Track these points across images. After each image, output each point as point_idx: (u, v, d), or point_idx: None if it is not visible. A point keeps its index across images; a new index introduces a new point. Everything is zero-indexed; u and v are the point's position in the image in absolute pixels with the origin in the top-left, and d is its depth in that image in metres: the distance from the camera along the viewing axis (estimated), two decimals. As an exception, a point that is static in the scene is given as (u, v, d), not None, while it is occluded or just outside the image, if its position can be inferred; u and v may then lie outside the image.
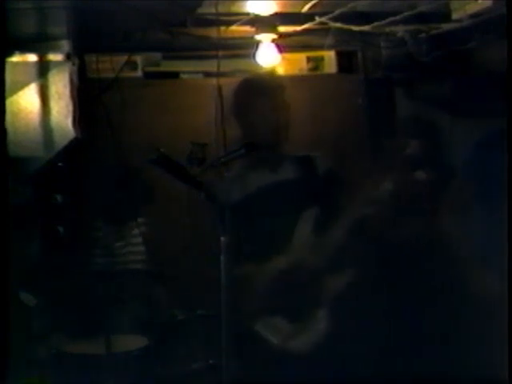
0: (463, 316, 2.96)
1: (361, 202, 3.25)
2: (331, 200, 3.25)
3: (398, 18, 3.19)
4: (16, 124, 3.37)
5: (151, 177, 3.38)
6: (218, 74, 3.14)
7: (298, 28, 3.59)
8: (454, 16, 3.05)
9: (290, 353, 3.09)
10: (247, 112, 3.21)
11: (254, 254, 3.17)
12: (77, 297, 3.39)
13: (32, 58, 3.51)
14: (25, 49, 3.41)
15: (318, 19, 3.42)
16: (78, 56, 3.64)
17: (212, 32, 3.32)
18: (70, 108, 3.53)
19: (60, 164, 3.63)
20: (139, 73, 4.09)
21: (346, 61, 4.25)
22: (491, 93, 2.78)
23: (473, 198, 2.96)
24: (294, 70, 4.15)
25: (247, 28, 3.55)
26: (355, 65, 4.26)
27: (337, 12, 3.26)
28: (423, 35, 3.45)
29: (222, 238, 2.68)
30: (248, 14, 3.42)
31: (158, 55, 4.13)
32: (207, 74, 4.02)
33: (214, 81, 3.32)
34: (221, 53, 3.03)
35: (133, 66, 4.01)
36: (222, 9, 3.12)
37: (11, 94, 3.35)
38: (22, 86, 3.47)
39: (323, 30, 3.62)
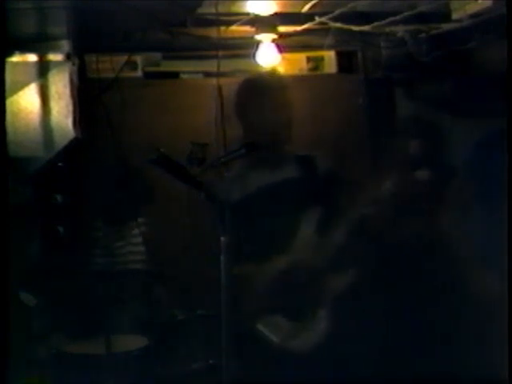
0: (463, 316, 2.96)
1: (361, 201, 3.25)
2: (331, 200, 3.25)
3: (397, 18, 3.19)
4: (16, 124, 3.37)
5: (151, 177, 3.38)
6: (218, 74, 3.14)
7: (298, 28, 3.59)
8: (454, 16, 3.05)
9: (290, 353, 3.08)
10: (250, 112, 3.21)
11: (254, 254, 3.17)
12: (77, 297, 3.39)
13: (32, 57, 3.51)
14: (25, 49, 3.41)
15: (317, 19, 3.42)
16: (78, 56, 3.64)
17: (212, 32, 3.32)
18: (70, 108, 3.53)
19: (60, 164, 3.63)
20: (139, 73, 4.09)
21: (346, 61, 4.25)
22: (491, 93, 2.78)
23: (473, 197, 2.96)
24: (294, 70, 4.15)
25: (247, 28, 3.55)
26: (355, 65, 4.26)
27: (337, 12, 3.26)
28: (423, 35, 3.45)
29: (222, 238, 2.68)
30: (248, 14, 3.42)
31: (157, 55, 4.13)
32: (207, 74, 4.02)
33: (214, 81, 3.33)
34: (221, 53, 3.03)
35: (133, 66, 4.01)
36: (222, 9, 3.12)
37: (11, 94, 3.35)
38: (22, 86, 3.47)
39: (323, 30, 3.62)
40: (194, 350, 3.30)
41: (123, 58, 3.67)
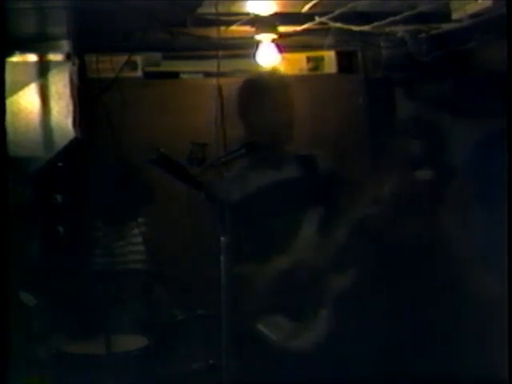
0: (463, 316, 2.96)
1: (360, 202, 3.25)
2: (331, 200, 3.25)
3: (398, 18, 3.19)
4: (16, 124, 3.37)
5: (151, 177, 3.38)
6: (218, 74, 3.14)
7: (298, 28, 3.59)
8: (454, 16, 3.05)
9: (291, 353, 3.08)
10: (251, 111, 3.21)
11: (254, 254, 3.17)
12: (77, 297, 3.39)
13: (32, 58, 3.51)
14: (25, 49, 3.41)
15: (317, 19, 3.42)
16: (78, 56, 3.64)
17: (212, 32, 3.32)
18: (70, 108, 3.53)
19: (60, 164, 3.63)
20: (139, 73, 4.09)
21: (346, 61, 4.25)
22: (491, 93, 2.78)
23: (473, 197, 2.96)
24: (294, 70, 4.15)
25: (247, 28, 3.55)
26: (355, 65, 4.25)
27: (337, 12, 3.26)
28: (423, 35, 3.44)
29: (222, 238, 2.68)
30: (248, 14, 3.42)
31: (158, 55, 4.13)
32: (207, 74, 4.02)
33: (214, 81, 3.32)
34: (221, 53, 3.03)
35: (133, 66, 4.01)
36: (222, 9, 3.11)
37: (11, 94, 3.35)
38: (22, 86, 3.47)
39: (323, 30, 3.62)
40: (194, 350, 3.30)
41: (123, 58, 3.67)
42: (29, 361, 3.04)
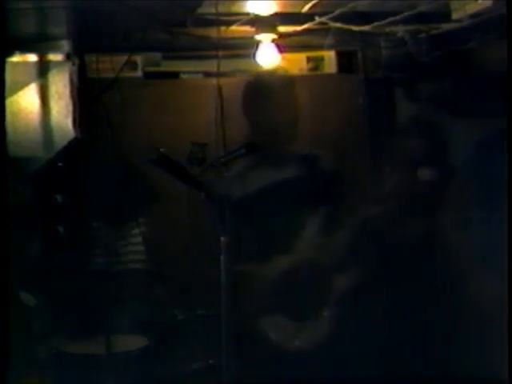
0: (464, 316, 2.96)
1: (360, 202, 3.25)
2: (331, 199, 3.25)
3: (398, 18, 3.19)
4: (16, 124, 3.36)
5: (151, 177, 3.38)
6: (218, 74, 3.14)
7: (298, 28, 3.59)
8: (454, 16, 3.04)
9: (291, 353, 3.09)
10: (255, 111, 3.22)
11: (254, 254, 3.17)
12: (77, 297, 3.39)
13: (32, 57, 3.51)
14: (25, 49, 3.41)
15: (317, 19, 3.41)
16: (78, 56, 3.63)
17: (212, 32, 3.31)
18: (70, 108, 3.52)
19: (60, 164, 3.62)
20: (139, 73, 4.08)
21: (346, 61, 4.24)
22: (491, 93, 2.78)
23: (473, 197, 2.96)
24: (294, 70, 4.15)
25: (247, 28, 3.54)
26: (355, 65, 4.25)
27: (337, 12, 3.26)
28: (423, 35, 3.44)
29: (222, 238, 2.68)
30: (248, 14, 3.42)
31: (158, 55, 4.12)
32: (207, 74, 4.01)
33: (214, 81, 3.33)
34: (221, 53, 3.03)
35: (133, 66, 4.00)
36: (222, 9, 3.11)
37: (11, 94, 3.35)
38: (22, 86, 3.47)
39: (323, 30, 3.62)
40: (194, 350, 3.30)
41: (123, 58, 3.67)
42: (29, 361, 3.04)
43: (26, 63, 3.49)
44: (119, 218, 3.71)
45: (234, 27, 3.46)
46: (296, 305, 3.10)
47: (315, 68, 4.21)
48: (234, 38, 3.55)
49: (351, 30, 3.46)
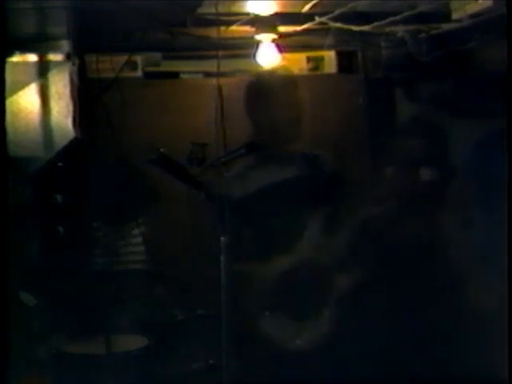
0: (464, 316, 2.96)
1: (360, 201, 3.25)
2: (330, 199, 3.25)
3: (398, 18, 3.19)
4: (16, 124, 3.36)
5: (151, 177, 3.38)
6: (218, 74, 3.14)
7: (298, 28, 3.59)
8: (454, 16, 3.04)
9: (291, 353, 3.09)
10: (258, 110, 3.22)
11: (254, 254, 3.17)
12: (77, 297, 3.39)
13: (32, 57, 3.51)
14: (25, 49, 3.41)
15: (317, 19, 3.41)
16: (78, 56, 3.63)
17: (212, 32, 3.31)
18: (70, 108, 3.52)
19: (60, 164, 3.62)
20: (139, 73, 4.08)
21: (346, 61, 4.24)
22: (491, 93, 2.78)
23: (473, 197, 2.96)
24: (294, 70, 4.15)
25: (247, 28, 3.54)
26: (355, 65, 4.25)
27: (337, 12, 3.26)
28: (423, 35, 3.44)
29: (222, 238, 2.68)
30: (248, 14, 3.42)
31: (158, 55, 4.12)
32: (207, 74, 4.01)
33: (214, 81, 3.33)
34: (221, 53, 3.03)
35: (133, 66, 4.00)
36: (222, 9, 3.11)
37: (11, 94, 3.35)
38: (22, 85, 3.47)
39: (323, 30, 3.62)
40: (194, 350, 3.30)
41: (123, 58, 3.67)
42: (29, 361, 3.04)
43: (26, 63, 3.49)
44: (119, 218, 3.71)
45: (233, 27, 3.46)
46: (296, 305, 3.10)
47: (315, 68, 4.21)
48: (234, 38, 3.55)
49: (351, 30, 3.46)
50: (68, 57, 3.56)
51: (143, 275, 3.65)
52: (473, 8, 2.84)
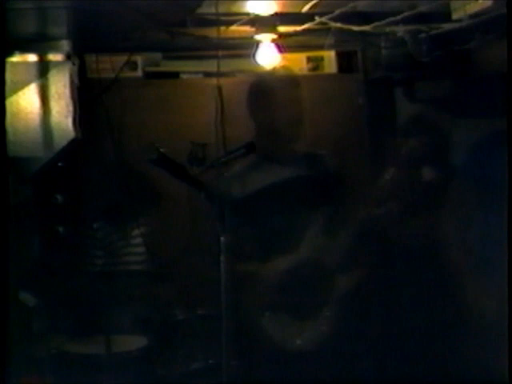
0: (465, 317, 2.96)
1: (359, 201, 3.25)
2: (330, 199, 3.25)
3: (398, 18, 3.18)
4: (16, 124, 3.36)
5: (151, 177, 3.38)
6: (218, 74, 3.14)
7: (298, 28, 3.58)
8: (454, 16, 3.04)
9: (291, 352, 3.09)
10: (260, 110, 3.22)
11: (254, 254, 3.17)
12: (77, 297, 3.39)
13: (32, 58, 3.50)
14: (25, 49, 3.41)
15: (317, 19, 3.41)
16: (78, 56, 3.63)
17: (212, 32, 3.31)
18: (70, 108, 3.52)
19: (60, 164, 3.62)
20: (139, 73, 4.08)
21: (346, 61, 4.25)
22: (491, 93, 2.78)
23: (473, 197, 2.96)
24: (294, 70, 4.15)
25: (247, 28, 3.54)
26: (355, 65, 4.25)
27: (337, 12, 3.25)
28: (423, 35, 3.44)
29: (222, 238, 2.68)
30: (248, 14, 3.41)
31: (157, 55, 4.12)
32: (207, 74, 4.02)
33: (214, 81, 3.32)
34: (221, 53, 3.03)
35: (133, 66, 4.00)
36: (222, 9, 3.11)
37: (11, 94, 3.35)
38: (22, 86, 3.46)
39: (323, 30, 3.61)
40: (194, 349, 3.30)
41: (123, 58, 3.67)
42: (29, 361, 3.04)
43: (25, 63, 3.48)
44: (119, 218, 3.71)
45: (234, 27, 3.46)
46: (296, 305, 3.10)
47: (315, 68, 4.22)
48: (234, 38, 3.55)
49: (351, 30, 3.45)
50: (68, 57, 3.55)
51: (143, 275, 3.65)
52: (473, 8, 2.84)
